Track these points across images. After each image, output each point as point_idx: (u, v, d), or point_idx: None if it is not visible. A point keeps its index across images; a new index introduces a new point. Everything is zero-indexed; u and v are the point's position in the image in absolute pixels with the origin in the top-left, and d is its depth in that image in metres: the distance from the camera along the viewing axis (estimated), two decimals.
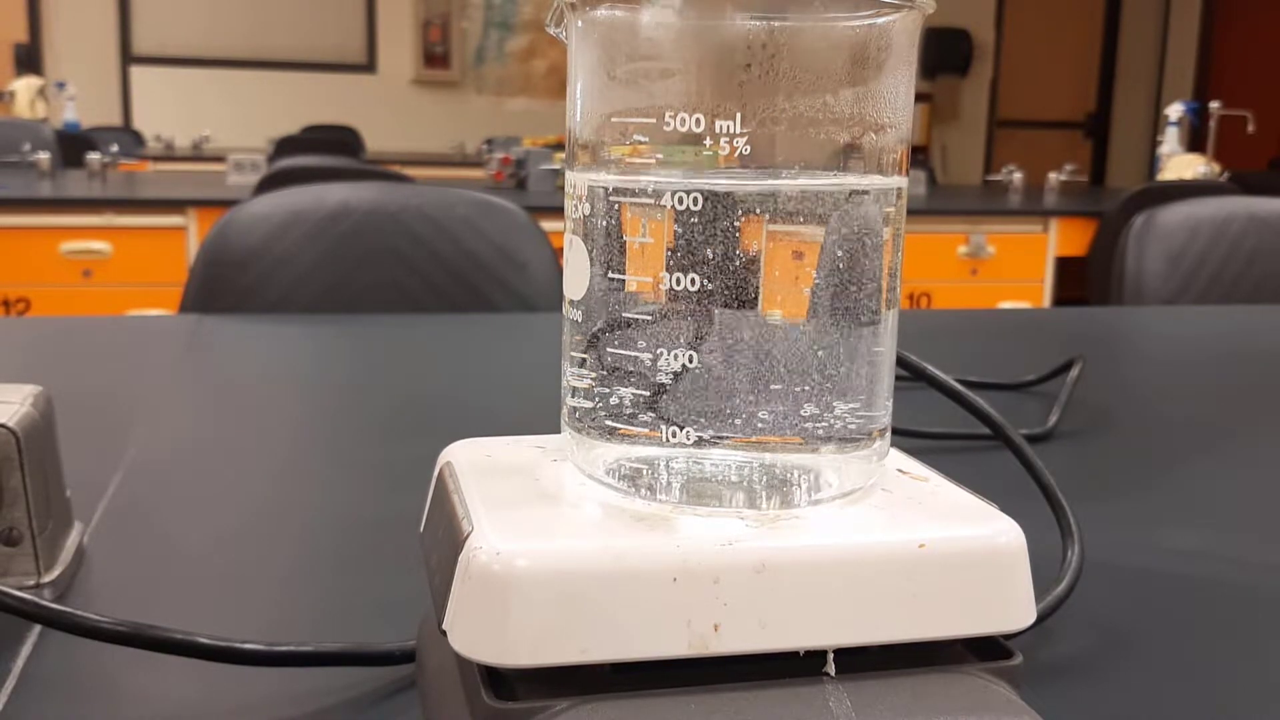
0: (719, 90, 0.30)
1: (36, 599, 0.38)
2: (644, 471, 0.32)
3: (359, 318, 1.16)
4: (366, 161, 4.33)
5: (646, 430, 0.32)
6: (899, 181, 0.33)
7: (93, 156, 3.59)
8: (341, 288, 1.34)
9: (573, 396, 0.34)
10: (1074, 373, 0.88)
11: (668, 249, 0.31)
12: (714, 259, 0.31)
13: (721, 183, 0.30)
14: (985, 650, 0.32)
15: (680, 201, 0.31)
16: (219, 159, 4.33)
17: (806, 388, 0.32)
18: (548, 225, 1.43)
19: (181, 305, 1.29)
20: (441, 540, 0.32)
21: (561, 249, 0.36)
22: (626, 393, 0.32)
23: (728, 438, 0.31)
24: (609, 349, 0.32)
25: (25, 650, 0.43)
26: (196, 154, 5.71)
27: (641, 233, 0.31)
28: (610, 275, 0.32)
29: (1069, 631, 0.47)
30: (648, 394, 0.32)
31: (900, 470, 0.36)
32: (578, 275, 0.33)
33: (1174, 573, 0.54)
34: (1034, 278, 3.49)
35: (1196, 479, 0.69)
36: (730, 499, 0.32)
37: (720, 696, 0.29)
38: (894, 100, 0.32)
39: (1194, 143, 4.63)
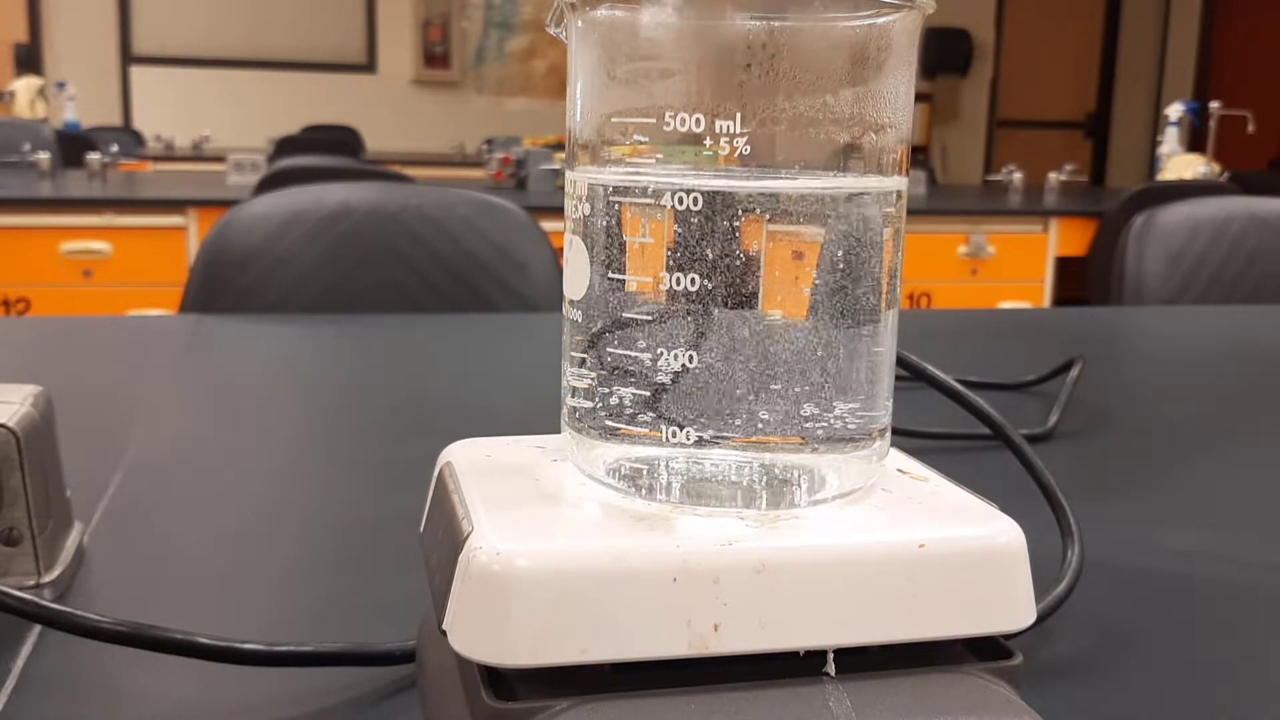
0: (719, 90, 0.30)
1: (36, 599, 0.38)
2: (644, 471, 0.32)
3: (359, 318, 1.16)
4: (366, 161, 4.33)
5: (646, 430, 0.32)
6: (899, 181, 0.33)
7: (93, 156, 3.59)
8: (341, 288, 1.34)
9: (573, 396, 0.34)
10: (1074, 373, 0.88)
11: (668, 249, 0.31)
12: (714, 259, 0.31)
13: (721, 183, 0.30)
14: (985, 650, 0.32)
15: (680, 201, 0.31)
16: (219, 159, 4.33)
17: (806, 388, 0.32)
18: (548, 225, 1.43)
19: (181, 305, 1.29)
20: (441, 540, 0.32)
21: (561, 249, 0.36)
22: (626, 393, 0.32)
23: (728, 438, 0.31)
24: (609, 349, 0.32)
25: (25, 650, 0.43)
26: (196, 154, 5.71)
27: (641, 233, 0.31)
28: (610, 275, 0.32)
29: (1069, 631, 0.47)
30: (648, 394, 0.32)
31: (900, 470, 0.36)
32: (578, 275, 0.33)
33: (1174, 573, 0.54)
34: (1034, 278, 3.49)
35: (1196, 479, 0.69)
36: (730, 499, 0.32)
37: (720, 696, 0.29)
38: (894, 100, 0.32)
39: (1194, 143, 4.63)
